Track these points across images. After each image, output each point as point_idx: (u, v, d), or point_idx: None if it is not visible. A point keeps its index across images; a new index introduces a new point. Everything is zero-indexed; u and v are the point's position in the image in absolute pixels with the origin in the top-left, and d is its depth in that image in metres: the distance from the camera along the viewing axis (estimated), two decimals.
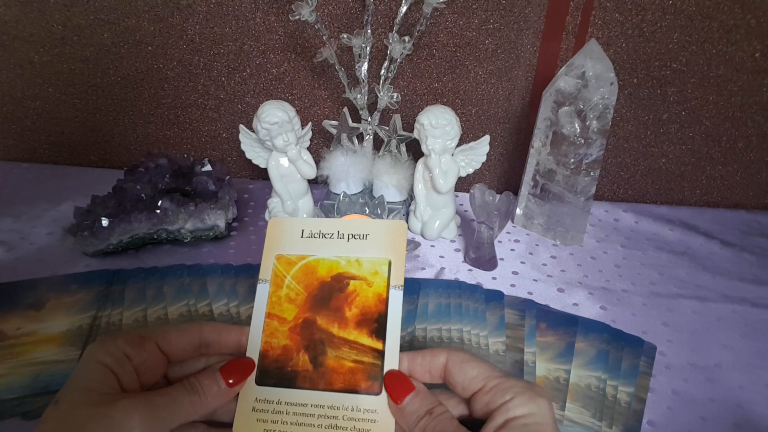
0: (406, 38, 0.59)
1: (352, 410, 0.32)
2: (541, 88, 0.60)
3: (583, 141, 0.57)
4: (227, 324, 0.36)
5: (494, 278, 0.58)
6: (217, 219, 0.60)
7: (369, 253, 0.36)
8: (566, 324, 0.51)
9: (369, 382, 0.32)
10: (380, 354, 0.33)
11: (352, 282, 0.35)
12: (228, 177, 0.65)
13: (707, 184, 0.74)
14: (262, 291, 0.36)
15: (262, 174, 0.71)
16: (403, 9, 0.59)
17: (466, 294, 0.53)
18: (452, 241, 0.64)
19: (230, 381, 0.32)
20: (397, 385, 0.31)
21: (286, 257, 0.36)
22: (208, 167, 0.65)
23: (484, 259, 0.59)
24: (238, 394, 0.33)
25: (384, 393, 0.32)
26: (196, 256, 0.59)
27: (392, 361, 0.33)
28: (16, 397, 0.42)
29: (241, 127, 0.62)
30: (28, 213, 0.65)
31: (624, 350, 0.48)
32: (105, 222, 0.57)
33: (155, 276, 0.55)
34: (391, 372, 0.32)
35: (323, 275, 0.36)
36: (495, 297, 0.53)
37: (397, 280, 0.35)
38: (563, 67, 0.57)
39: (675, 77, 0.65)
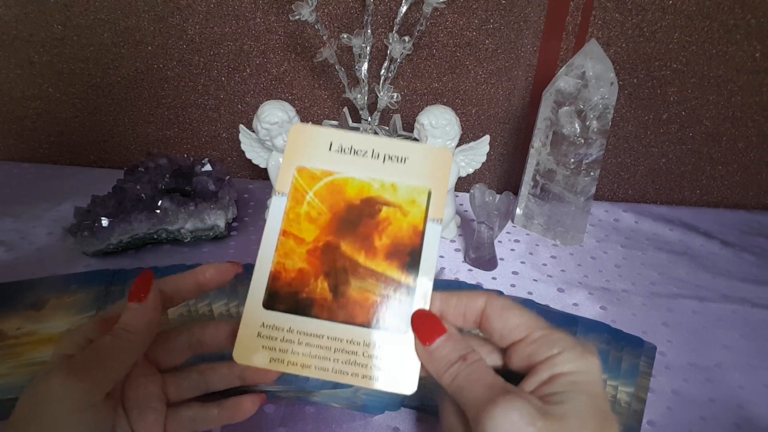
0: (406, 38, 0.59)
1: (374, 347, 0.29)
2: (541, 88, 0.60)
3: (583, 141, 0.57)
4: (178, 274, 0.34)
5: (494, 278, 0.58)
6: (217, 219, 0.60)
7: (407, 178, 0.32)
8: (566, 324, 0.51)
9: (396, 319, 0.29)
10: (411, 291, 0.30)
11: (384, 208, 0.31)
12: (228, 177, 0.65)
13: (707, 184, 0.74)
14: (278, 205, 0.31)
15: (262, 174, 0.71)
16: (403, 9, 0.59)
17: None
18: (452, 241, 0.64)
19: (140, 297, 0.30)
20: (426, 325, 0.28)
21: (309, 170, 0.32)
22: (208, 167, 0.65)
23: (484, 259, 0.59)
24: (238, 325, 0.30)
25: (411, 333, 0.29)
26: (196, 256, 0.59)
27: (424, 299, 0.30)
28: (16, 397, 0.42)
29: (241, 127, 0.62)
30: (28, 213, 0.65)
31: (624, 350, 0.48)
32: (105, 222, 0.57)
33: (155, 276, 0.55)
34: (421, 311, 0.29)
35: (352, 197, 0.32)
36: None
37: (437, 212, 0.31)
38: (563, 67, 0.57)
39: (675, 77, 0.65)
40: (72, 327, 0.48)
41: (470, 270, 0.59)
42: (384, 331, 0.29)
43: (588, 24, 0.62)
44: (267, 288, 0.30)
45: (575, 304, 0.54)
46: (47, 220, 0.64)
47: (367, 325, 0.29)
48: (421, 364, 0.28)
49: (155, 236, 0.59)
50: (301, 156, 0.32)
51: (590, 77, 0.54)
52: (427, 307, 0.29)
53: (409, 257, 0.30)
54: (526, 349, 0.27)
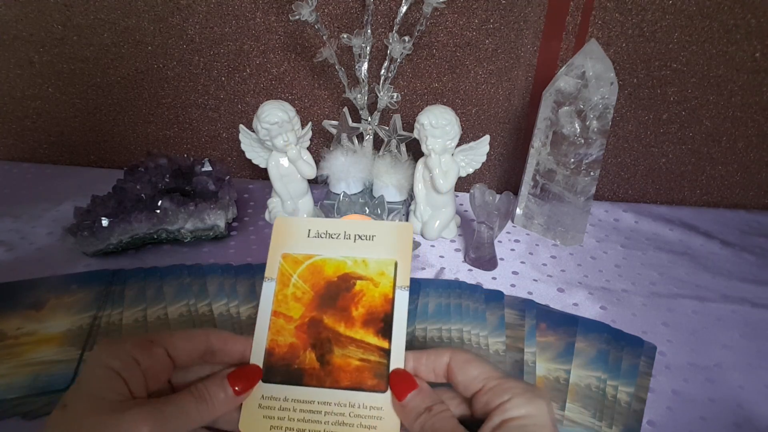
0: (406, 38, 0.59)
1: (359, 407, 0.32)
2: (541, 88, 0.60)
3: (583, 141, 0.57)
4: (234, 334, 0.36)
5: (494, 278, 0.58)
6: (217, 219, 0.60)
7: (375, 253, 0.36)
8: (566, 324, 0.51)
9: (375, 380, 0.33)
10: (386, 353, 0.33)
11: (358, 282, 0.36)
12: (228, 177, 0.65)
13: (707, 184, 0.74)
14: (268, 289, 0.36)
15: (262, 174, 0.71)
16: (403, 9, 0.59)
17: (466, 294, 0.53)
18: (452, 241, 0.64)
19: (237, 388, 0.32)
20: (401, 383, 0.32)
21: (292, 256, 0.37)
22: (208, 167, 0.65)
23: (484, 259, 0.59)
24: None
25: (390, 391, 0.32)
26: (196, 256, 0.59)
27: (398, 359, 0.33)
28: (16, 397, 0.42)
29: (241, 127, 0.62)
30: (28, 213, 0.65)
31: (624, 350, 0.48)
32: (105, 222, 0.57)
33: (155, 276, 0.55)
34: (396, 370, 0.33)
35: (330, 275, 0.36)
36: (495, 297, 0.53)
37: (403, 280, 0.35)
38: (563, 67, 0.57)
39: (675, 77, 0.65)
40: (86, 331, 0.48)
41: (470, 270, 0.59)
42: (366, 392, 0.33)
43: (588, 24, 0.62)
44: (264, 364, 0.34)
45: (575, 304, 0.54)
46: (47, 220, 0.64)
47: (350, 387, 0.33)
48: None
49: (155, 236, 0.59)
50: (284, 244, 0.37)
51: (590, 77, 0.54)
52: (402, 366, 0.33)
53: (383, 323, 0.34)
54: (483, 397, 0.30)
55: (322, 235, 0.37)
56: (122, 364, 0.29)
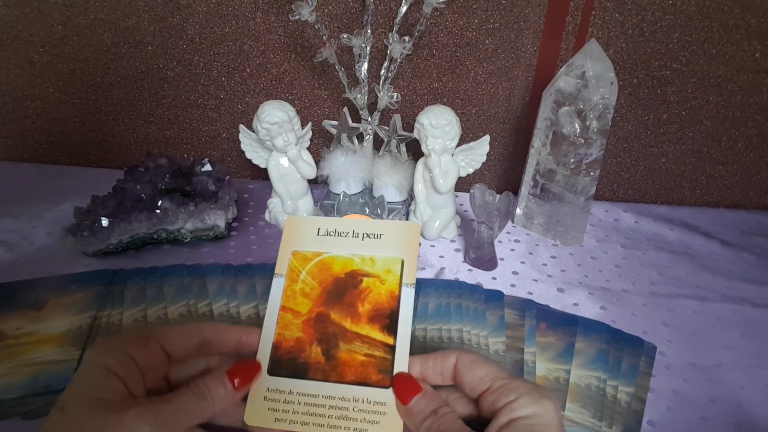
0: (406, 38, 0.59)
1: (363, 402, 0.32)
2: (541, 88, 0.60)
3: (583, 141, 0.57)
4: (227, 324, 0.36)
5: (494, 278, 0.58)
6: (217, 219, 0.60)
7: (383, 252, 0.37)
8: (566, 324, 0.51)
9: (380, 375, 0.33)
10: (391, 349, 0.34)
11: (365, 279, 0.36)
12: (228, 177, 0.65)
13: (707, 184, 0.74)
14: (278, 285, 0.37)
15: (262, 174, 0.71)
16: (403, 9, 0.59)
17: (466, 294, 0.53)
18: (452, 241, 0.64)
19: (236, 383, 0.32)
20: (404, 387, 0.32)
21: (302, 253, 0.38)
22: (208, 167, 0.65)
23: (484, 259, 0.59)
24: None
25: (394, 394, 0.33)
26: (196, 256, 0.59)
27: (403, 355, 0.34)
28: (16, 397, 0.42)
29: (241, 127, 0.62)
30: (28, 213, 0.65)
31: (624, 350, 0.48)
32: (105, 222, 0.57)
33: (155, 276, 0.55)
34: (399, 374, 0.33)
35: (337, 272, 0.37)
36: (495, 297, 0.53)
37: (410, 278, 0.36)
38: (563, 67, 0.57)
39: (675, 77, 0.65)
40: (86, 331, 0.48)
41: (470, 270, 0.59)
42: (370, 387, 0.33)
43: (588, 24, 0.62)
44: (270, 357, 0.34)
45: (575, 304, 0.54)
46: (47, 220, 0.64)
47: (355, 382, 0.33)
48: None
49: (155, 236, 0.59)
50: (294, 242, 0.38)
51: (590, 77, 0.54)
52: (406, 362, 0.33)
53: (389, 319, 0.35)
54: (489, 397, 0.30)
55: (331, 234, 0.38)
56: (118, 363, 0.29)
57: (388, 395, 0.33)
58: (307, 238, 0.38)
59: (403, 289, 0.36)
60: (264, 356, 0.34)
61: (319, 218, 0.39)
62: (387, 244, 0.37)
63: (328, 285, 0.37)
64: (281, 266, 0.37)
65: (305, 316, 0.36)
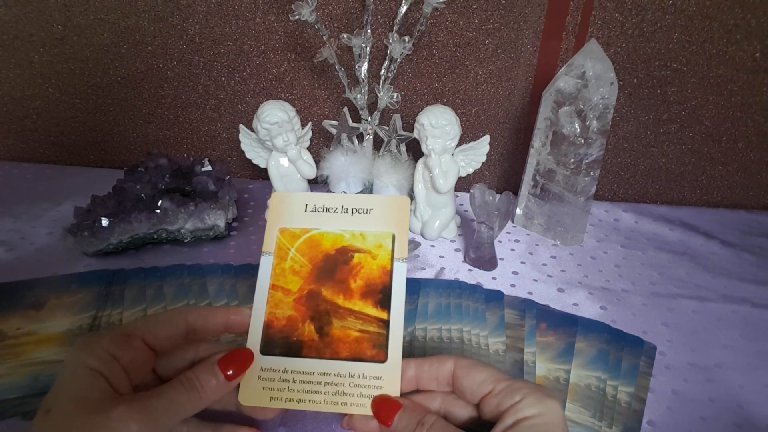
0: (406, 38, 0.59)
1: (359, 377, 0.32)
2: (541, 88, 0.60)
3: (583, 141, 0.57)
4: (211, 307, 0.36)
5: (494, 278, 0.58)
6: (217, 219, 0.60)
7: (373, 227, 0.37)
8: (566, 324, 0.51)
9: (374, 350, 0.33)
10: (385, 323, 0.34)
11: (356, 255, 0.36)
12: (228, 177, 0.65)
13: (707, 184, 0.74)
14: (266, 263, 0.36)
15: (262, 174, 0.71)
16: (403, 9, 0.59)
17: (466, 294, 0.53)
18: (452, 241, 0.64)
19: (229, 373, 0.31)
20: (384, 408, 0.31)
21: (290, 230, 0.37)
22: (208, 167, 0.65)
23: (484, 259, 0.59)
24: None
25: (389, 360, 0.33)
26: (196, 256, 0.59)
27: (397, 330, 0.33)
28: (16, 397, 0.42)
29: (241, 127, 0.62)
30: (28, 213, 0.65)
31: (624, 350, 0.48)
32: (105, 222, 0.57)
33: (155, 276, 0.55)
34: (377, 397, 0.32)
35: (327, 248, 0.37)
36: (495, 297, 0.53)
37: (401, 252, 0.36)
38: (563, 67, 0.57)
39: (675, 77, 0.65)
40: (86, 331, 0.48)
41: (470, 270, 0.59)
42: (365, 362, 0.33)
43: (588, 24, 0.62)
44: (262, 336, 0.34)
45: (575, 304, 0.54)
46: (47, 220, 0.64)
47: (350, 358, 0.33)
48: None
49: (155, 236, 0.59)
50: (281, 218, 0.37)
51: (590, 77, 0.54)
52: (401, 336, 0.33)
53: (381, 294, 0.35)
54: (493, 400, 0.30)
55: (320, 210, 0.38)
56: (100, 361, 0.29)
57: (383, 369, 0.33)
58: (294, 215, 0.38)
59: (395, 263, 0.36)
60: (255, 336, 0.34)
61: (306, 194, 0.39)
62: (377, 218, 0.37)
63: (318, 262, 0.36)
64: (269, 244, 0.37)
65: (296, 294, 0.35)
